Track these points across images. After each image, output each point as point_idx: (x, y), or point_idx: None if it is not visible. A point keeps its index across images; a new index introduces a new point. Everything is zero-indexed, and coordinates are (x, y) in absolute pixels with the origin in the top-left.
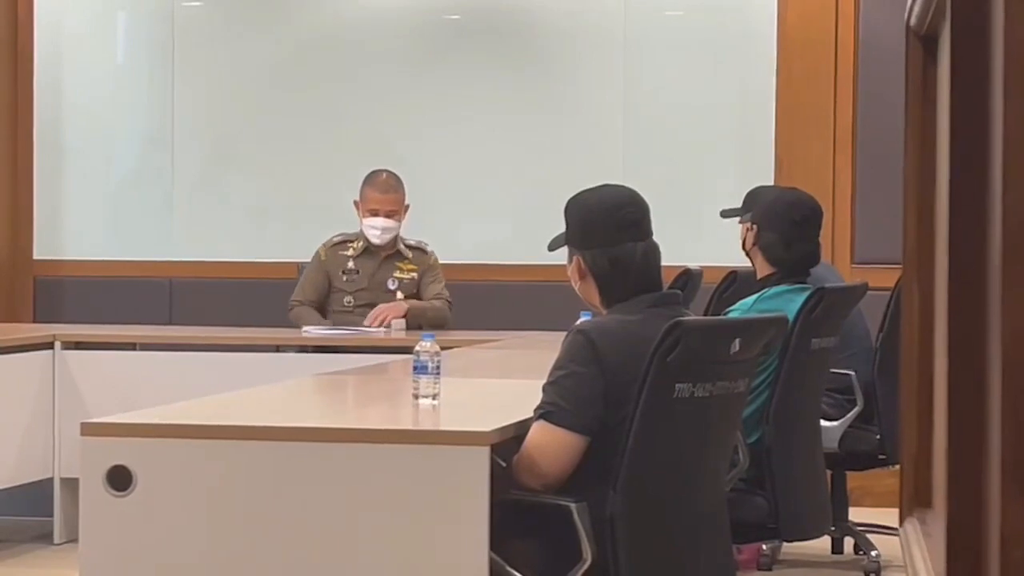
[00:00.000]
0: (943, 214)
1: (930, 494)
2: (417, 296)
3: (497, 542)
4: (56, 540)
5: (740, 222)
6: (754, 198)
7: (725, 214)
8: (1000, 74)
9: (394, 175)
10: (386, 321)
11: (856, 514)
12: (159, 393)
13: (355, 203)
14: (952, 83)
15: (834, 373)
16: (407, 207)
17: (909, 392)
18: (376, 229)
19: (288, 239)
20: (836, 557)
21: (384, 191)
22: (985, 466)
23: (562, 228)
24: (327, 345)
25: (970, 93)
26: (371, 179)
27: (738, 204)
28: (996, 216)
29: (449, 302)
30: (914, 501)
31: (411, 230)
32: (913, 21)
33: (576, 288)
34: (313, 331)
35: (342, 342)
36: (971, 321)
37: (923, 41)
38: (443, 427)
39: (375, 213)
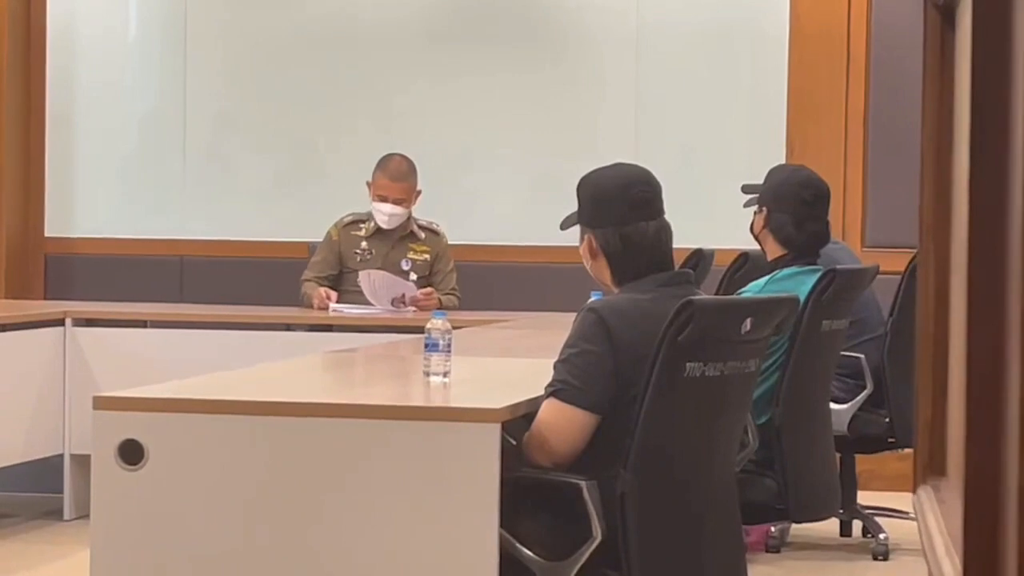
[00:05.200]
0: (962, 183)
1: (944, 463)
2: (429, 278)
3: (507, 519)
4: (66, 516)
5: (747, 204)
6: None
7: (747, 189)
8: (1023, 40)
9: (407, 161)
10: (429, 306)
11: (865, 497)
12: (170, 371)
13: (367, 184)
14: (973, 50)
15: (844, 356)
16: (418, 193)
17: (924, 363)
18: (384, 215)
19: (299, 218)
20: (844, 540)
21: (394, 178)
22: (1003, 426)
23: (573, 208)
24: (336, 323)
25: (992, 60)
26: (384, 164)
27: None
28: (1018, 182)
29: (458, 297)
30: (928, 470)
31: (423, 211)
32: None
33: (588, 267)
34: (344, 310)
35: (357, 321)
36: (991, 287)
37: (941, 11)
38: (454, 404)
39: (384, 199)
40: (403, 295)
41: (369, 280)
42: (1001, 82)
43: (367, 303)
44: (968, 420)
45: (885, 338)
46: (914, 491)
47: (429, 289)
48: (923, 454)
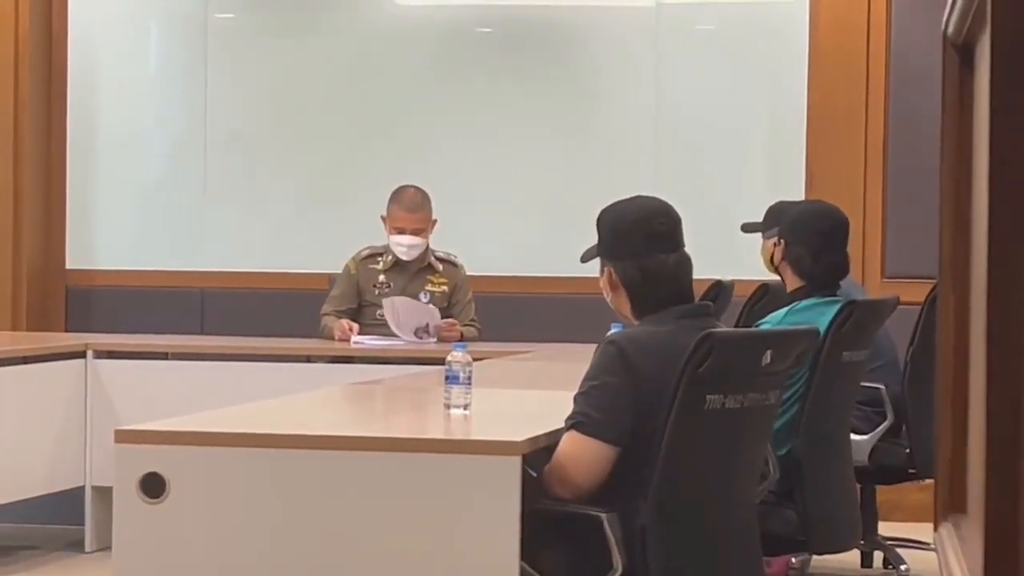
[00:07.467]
0: (981, 221)
1: (964, 500)
2: (448, 309)
3: (528, 552)
4: (87, 548)
5: (765, 237)
6: (776, 214)
7: (747, 228)
8: None
9: (421, 191)
10: (452, 338)
11: (886, 528)
12: (190, 403)
13: (382, 218)
14: (992, 90)
15: (863, 386)
16: (434, 222)
17: (944, 400)
18: (403, 247)
19: (320, 249)
20: (865, 571)
21: (410, 209)
22: (1022, 470)
23: (593, 240)
24: (357, 355)
25: (1011, 99)
26: (398, 196)
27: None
28: None
29: (478, 328)
30: (949, 507)
31: (442, 242)
32: (950, 30)
33: (608, 300)
34: (366, 341)
35: (378, 353)
36: (1010, 327)
37: (959, 50)
38: (474, 436)
39: (401, 231)
40: (427, 325)
41: (392, 308)
42: (1020, 121)
43: (387, 335)
44: (988, 464)
45: (905, 369)
46: (935, 528)
47: (453, 321)
48: (944, 491)
